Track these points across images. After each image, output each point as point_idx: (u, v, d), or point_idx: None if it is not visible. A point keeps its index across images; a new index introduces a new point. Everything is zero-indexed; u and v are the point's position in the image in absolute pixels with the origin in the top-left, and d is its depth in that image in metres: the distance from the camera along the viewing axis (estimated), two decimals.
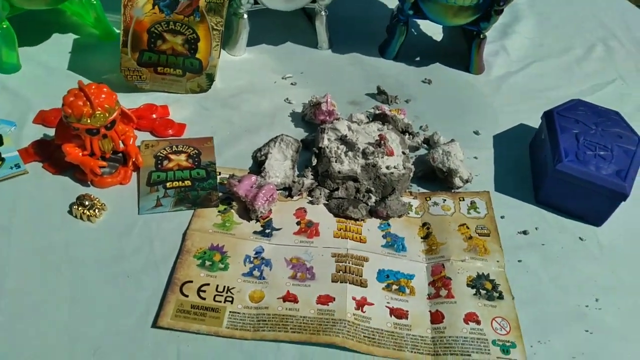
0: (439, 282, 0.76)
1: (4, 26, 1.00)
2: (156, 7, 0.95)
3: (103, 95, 0.80)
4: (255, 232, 0.81)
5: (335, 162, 0.88)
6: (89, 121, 0.78)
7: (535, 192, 0.92)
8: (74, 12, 1.19)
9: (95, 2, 1.12)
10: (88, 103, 0.78)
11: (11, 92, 1.00)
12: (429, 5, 1.11)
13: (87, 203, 0.79)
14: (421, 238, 0.83)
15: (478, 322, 0.71)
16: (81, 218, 0.79)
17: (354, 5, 1.38)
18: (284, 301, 0.71)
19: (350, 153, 0.89)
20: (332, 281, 0.74)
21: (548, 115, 0.96)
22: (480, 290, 0.74)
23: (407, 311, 0.73)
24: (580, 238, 0.86)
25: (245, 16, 1.13)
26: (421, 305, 0.74)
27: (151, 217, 0.82)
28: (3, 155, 0.86)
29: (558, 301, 0.77)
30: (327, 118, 0.99)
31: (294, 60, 1.19)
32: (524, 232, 0.86)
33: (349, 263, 0.76)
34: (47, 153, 0.88)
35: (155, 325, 0.68)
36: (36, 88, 1.02)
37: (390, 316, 0.72)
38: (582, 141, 0.89)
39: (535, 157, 0.97)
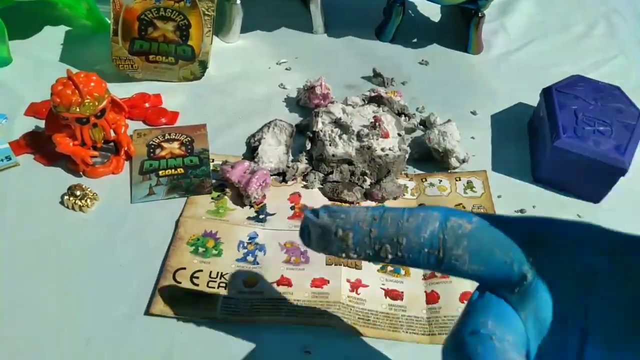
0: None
1: None
2: None
3: (92, 84, 0.79)
4: (249, 218, 0.80)
5: (330, 145, 0.87)
6: (78, 110, 0.78)
7: (533, 170, 0.90)
8: (66, 4, 1.18)
9: None
10: (77, 91, 0.77)
11: (2, 85, 1.00)
12: None
13: (78, 193, 0.79)
14: None
15: None
16: (73, 208, 0.79)
17: None
18: (278, 285, 0.71)
19: (344, 136, 0.88)
20: (327, 264, 0.73)
21: (546, 92, 0.94)
22: None
23: (402, 292, 0.72)
24: (578, 215, 0.85)
25: (239, 2, 1.12)
26: (416, 286, 0.73)
27: (144, 205, 0.81)
28: None
29: None
30: (322, 102, 0.98)
31: (288, 45, 1.18)
32: (521, 211, 0.84)
33: None
34: (38, 145, 0.87)
35: (148, 312, 0.68)
36: (27, 81, 1.01)
37: (385, 297, 0.71)
38: (581, 117, 0.87)
39: (534, 135, 0.95)
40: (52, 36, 1.14)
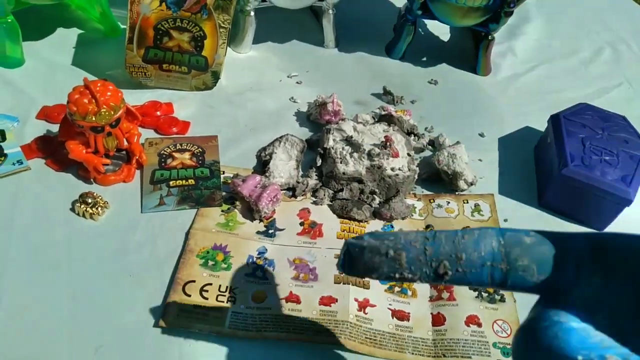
0: (441, 285, 0.75)
1: (9, 20, 1.00)
2: (163, 4, 0.95)
3: (109, 93, 0.79)
4: (258, 232, 0.80)
5: (340, 163, 0.88)
6: (94, 119, 0.78)
7: (539, 196, 0.92)
8: (79, 7, 1.19)
9: None
10: (94, 101, 0.77)
11: (14, 87, 1.00)
12: (438, 5, 1.10)
13: (89, 201, 0.79)
14: None
15: (479, 325, 0.70)
16: (83, 216, 0.79)
17: (361, 4, 1.37)
18: (287, 302, 0.71)
19: (355, 154, 0.89)
20: (335, 282, 0.74)
21: (555, 119, 0.95)
22: (482, 293, 0.74)
23: (409, 313, 0.73)
24: None
25: (252, 13, 1.13)
26: (423, 308, 0.73)
27: (154, 215, 0.82)
28: (5, 151, 0.86)
29: None
30: (333, 118, 0.99)
31: (299, 58, 1.19)
32: None
33: None
34: (50, 149, 0.88)
35: (157, 324, 0.68)
36: (39, 83, 1.01)
37: (392, 318, 0.71)
38: (588, 146, 0.88)
39: (541, 160, 0.97)
40: (65, 38, 1.15)
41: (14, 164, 0.85)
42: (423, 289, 0.76)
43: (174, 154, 0.91)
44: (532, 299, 0.77)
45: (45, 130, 0.93)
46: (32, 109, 0.96)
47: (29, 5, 1.04)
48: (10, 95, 0.99)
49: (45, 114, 0.95)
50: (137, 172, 0.88)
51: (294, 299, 0.71)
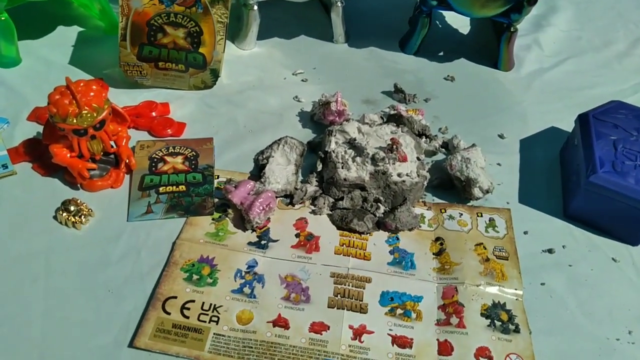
0: (450, 308, 0.68)
1: (3, 18, 0.96)
2: None
3: (91, 93, 0.74)
4: (249, 243, 0.74)
5: (342, 168, 0.80)
6: (75, 121, 0.73)
7: (564, 206, 0.82)
8: (81, 4, 1.15)
9: None
10: (74, 102, 0.72)
11: (8, 87, 0.97)
12: None
13: (72, 208, 0.75)
14: (433, 254, 0.75)
15: (490, 359, 0.62)
16: (66, 224, 0.75)
17: None
18: (274, 326, 0.65)
19: (358, 158, 0.81)
20: (329, 306, 0.67)
21: (582, 119, 0.86)
22: (495, 321, 0.66)
23: (412, 339, 0.65)
24: (613, 259, 0.77)
25: (256, 7, 1.06)
26: (428, 333, 0.66)
27: (141, 224, 0.76)
28: None
29: (584, 332, 0.68)
30: (337, 119, 0.91)
31: (306, 54, 1.12)
32: (549, 251, 0.77)
33: (348, 285, 0.69)
34: (37, 153, 0.83)
35: (131, 345, 0.63)
36: (34, 83, 0.97)
37: (392, 345, 0.64)
38: (621, 149, 0.79)
39: (567, 165, 0.87)
40: (64, 37, 1.11)
41: None
42: (429, 312, 0.68)
43: (166, 157, 0.85)
44: (554, 326, 0.68)
45: (35, 133, 0.89)
46: (24, 110, 0.93)
47: (23, 2, 1.00)
48: (2, 96, 0.95)
49: (36, 116, 0.91)
50: (127, 177, 0.83)
51: (282, 322, 0.65)
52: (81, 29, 1.13)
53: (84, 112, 0.73)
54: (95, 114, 0.74)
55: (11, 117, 0.91)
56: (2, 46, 0.99)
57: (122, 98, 0.95)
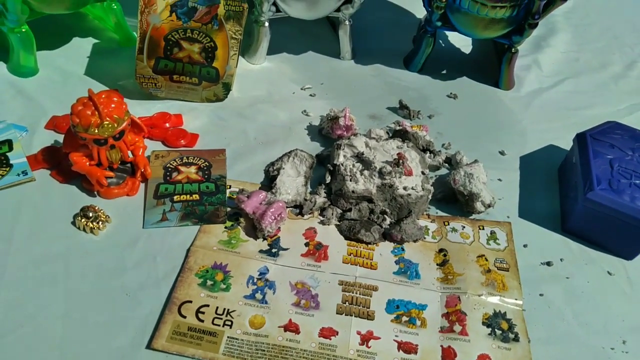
0: (454, 316, 0.71)
1: (23, 30, 1.00)
2: (173, 14, 0.93)
3: (113, 105, 0.78)
4: (261, 251, 0.77)
5: (350, 180, 0.84)
6: (96, 131, 0.76)
7: (562, 221, 0.86)
8: (96, 16, 1.18)
9: (115, 7, 1.11)
10: (96, 113, 0.76)
11: (26, 96, 1.00)
12: (458, 16, 1.06)
13: (90, 215, 0.77)
14: (437, 265, 0.78)
15: None
16: (84, 230, 0.77)
17: (379, 15, 1.34)
18: (285, 330, 0.67)
19: (366, 172, 0.85)
20: (337, 313, 0.70)
21: (580, 138, 0.90)
22: (496, 329, 0.69)
23: (417, 345, 0.68)
24: (608, 272, 0.80)
25: (267, 24, 1.10)
26: (432, 339, 0.69)
27: (156, 231, 0.79)
28: (11, 162, 0.85)
29: (580, 342, 0.71)
30: (345, 133, 0.95)
31: (314, 70, 1.16)
32: (548, 263, 0.80)
33: (356, 293, 0.72)
34: (55, 160, 0.86)
35: (149, 346, 0.65)
36: (51, 93, 1.01)
37: (398, 351, 0.67)
38: (617, 168, 0.82)
39: (565, 182, 0.91)
40: (80, 48, 1.14)
41: (18, 174, 0.84)
42: (434, 319, 0.71)
43: (180, 167, 0.88)
44: (551, 335, 0.72)
45: (53, 141, 0.92)
46: (42, 119, 0.95)
47: (44, 15, 1.04)
48: (21, 105, 0.98)
49: (54, 124, 0.94)
50: (142, 185, 0.86)
51: (293, 327, 0.68)
52: (96, 41, 1.16)
53: (105, 122, 0.76)
54: (116, 125, 0.77)
55: (29, 126, 0.94)
56: (22, 56, 1.02)
57: (137, 109, 0.98)
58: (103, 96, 0.78)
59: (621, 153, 0.85)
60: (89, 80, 1.06)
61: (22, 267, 0.73)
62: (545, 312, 0.74)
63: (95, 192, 0.83)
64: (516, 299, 0.73)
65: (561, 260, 0.81)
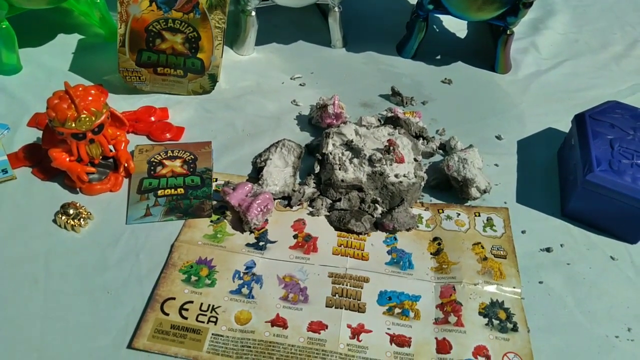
0: (448, 307, 0.68)
1: (3, 26, 0.97)
2: (154, 4, 0.90)
3: (90, 98, 0.75)
4: (248, 245, 0.74)
5: (339, 169, 0.81)
6: (73, 125, 0.74)
7: (562, 205, 0.82)
8: (81, 12, 1.16)
9: (99, 1, 1.09)
10: (73, 106, 0.73)
11: (9, 94, 0.98)
12: None
13: (71, 212, 0.75)
14: (431, 254, 0.75)
15: (488, 358, 0.62)
16: (65, 227, 0.75)
17: (370, 1, 1.30)
18: (272, 325, 0.65)
19: (355, 160, 0.82)
20: (327, 306, 0.67)
21: (579, 119, 0.86)
22: (493, 319, 0.66)
23: (410, 338, 0.65)
24: (611, 257, 0.77)
25: (254, 13, 1.07)
26: (426, 331, 0.66)
27: (140, 227, 0.77)
28: None
29: (583, 330, 0.68)
30: (334, 121, 0.92)
31: (304, 59, 1.13)
32: (547, 250, 0.77)
33: (346, 285, 0.69)
34: (37, 158, 0.84)
35: (130, 346, 0.63)
36: (35, 90, 0.98)
37: (391, 344, 0.64)
38: (618, 148, 0.79)
39: (564, 165, 0.88)
40: (64, 44, 1.12)
41: None
42: (427, 311, 0.68)
43: (164, 161, 0.86)
44: (552, 324, 0.68)
45: (35, 138, 0.89)
46: (25, 116, 0.93)
47: (24, 11, 1.01)
48: (3, 103, 0.96)
49: (36, 122, 0.92)
50: (125, 180, 0.83)
51: (280, 322, 0.65)
52: (81, 37, 1.14)
53: (82, 116, 0.74)
54: (93, 118, 0.75)
55: (11, 123, 0.91)
56: (3, 54, 1.00)
57: (122, 103, 0.96)
58: (80, 89, 0.75)
59: (622, 133, 0.81)
60: (73, 76, 1.03)
61: (2, 268, 0.71)
62: (546, 300, 0.71)
63: (78, 189, 0.81)
64: (514, 287, 0.70)
65: (561, 245, 0.78)
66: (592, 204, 0.77)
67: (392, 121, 0.92)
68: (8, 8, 0.96)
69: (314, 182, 0.83)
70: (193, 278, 0.70)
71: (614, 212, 0.76)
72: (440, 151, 0.92)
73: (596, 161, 0.76)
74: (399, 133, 0.88)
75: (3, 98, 0.97)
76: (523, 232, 0.79)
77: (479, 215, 0.79)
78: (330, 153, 0.83)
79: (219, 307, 0.66)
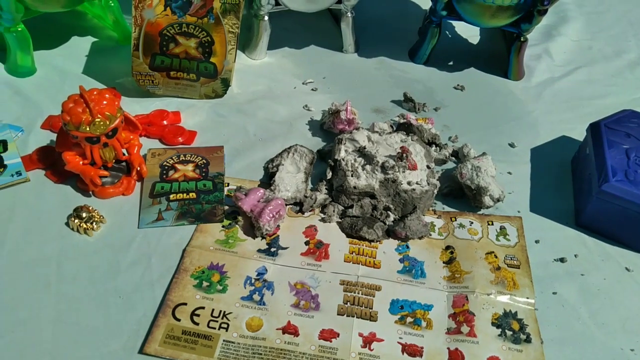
0: (461, 317, 0.67)
1: (19, 29, 0.98)
2: (168, 8, 0.90)
3: (104, 102, 0.75)
4: (259, 251, 0.74)
5: (351, 176, 0.81)
6: (88, 129, 0.74)
7: (576, 215, 0.82)
8: (95, 15, 1.16)
9: (113, 5, 1.09)
10: (87, 110, 0.73)
11: (23, 96, 0.98)
12: (464, 5, 1.02)
13: (84, 215, 0.75)
14: (443, 263, 0.74)
15: None
16: (77, 231, 0.75)
17: (383, 6, 1.30)
18: (284, 333, 0.64)
19: (368, 167, 0.82)
20: (338, 314, 0.67)
21: (594, 128, 0.85)
22: (506, 330, 0.65)
23: (422, 348, 0.64)
24: (626, 268, 0.76)
25: (266, 18, 1.08)
26: (438, 341, 0.65)
27: (151, 231, 0.77)
28: (5, 162, 0.83)
29: (598, 343, 0.67)
30: (347, 127, 0.92)
31: (316, 64, 1.13)
32: (561, 260, 0.76)
33: (358, 293, 0.69)
34: (50, 160, 0.85)
35: (142, 351, 0.63)
36: (49, 92, 0.99)
37: (403, 354, 0.64)
38: (634, 158, 0.78)
39: (578, 174, 0.87)
40: (78, 47, 1.12)
41: (12, 175, 0.82)
42: (440, 320, 0.67)
43: (176, 165, 0.86)
44: (566, 336, 0.67)
45: (48, 141, 0.90)
46: (38, 118, 0.94)
47: (40, 14, 1.02)
48: (18, 105, 0.97)
49: (50, 124, 0.92)
50: (138, 184, 0.84)
51: (291, 329, 0.65)
52: (95, 40, 1.15)
53: (97, 120, 0.74)
54: (108, 122, 0.75)
55: (25, 126, 0.92)
56: (18, 56, 1.01)
57: (134, 107, 0.96)
58: (95, 93, 0.76)
59: (638, 142, 0.81)
60: (87, 79, 1.04)
61: (15, 270, 0.71)
62: (559, 311, 0.70)
63: (90, 192, 0.81)
64: (528, 298, 0.69)
65: (575, 256, 0.77)
66: (607, 214, 0.77)
67: (405, 128, 0.91)
68: (24, 11, 0.97)
69: (325, 188, 0.83)
70: (205, 284, 0.70)
71: (630, 223, 0.75)
72: (453, 158, 0.91)
73: (612, 171, 0.76)
74: (412, 140, 0.88)
75: (17, 100, 0.97)
76: (537, 241, 0.78)
77: (492, 224, 0.79)
78: (343, 159, 0.83)
79: (230, 313, 0.66)
